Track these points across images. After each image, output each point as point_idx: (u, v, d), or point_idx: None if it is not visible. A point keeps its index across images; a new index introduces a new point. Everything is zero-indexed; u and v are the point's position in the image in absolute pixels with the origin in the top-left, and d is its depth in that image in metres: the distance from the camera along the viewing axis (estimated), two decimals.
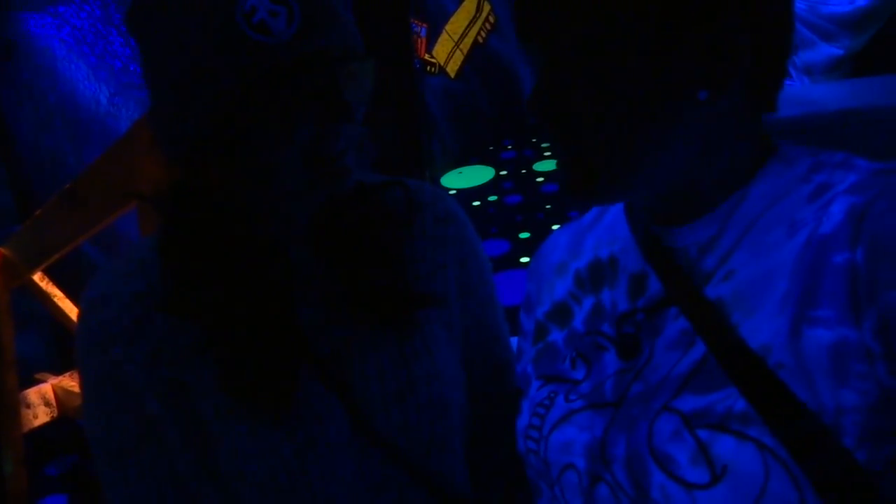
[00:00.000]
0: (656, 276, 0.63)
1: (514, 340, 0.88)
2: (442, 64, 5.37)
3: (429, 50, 5.19)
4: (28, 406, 2.94)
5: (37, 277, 2.78)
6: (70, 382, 3.00)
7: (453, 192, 5.10)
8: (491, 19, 5.79)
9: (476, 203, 4.85)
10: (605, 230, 0.73)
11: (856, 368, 0.48)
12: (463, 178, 5.38)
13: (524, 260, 3.98)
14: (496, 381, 0.86)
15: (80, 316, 0.72)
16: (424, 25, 5.09)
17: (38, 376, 3.13)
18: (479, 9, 5.65)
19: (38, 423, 2.99)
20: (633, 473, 0.56)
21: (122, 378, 0.69)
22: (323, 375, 0.71)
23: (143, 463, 0.71)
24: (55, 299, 2.83)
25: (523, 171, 5.37)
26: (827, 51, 2.58)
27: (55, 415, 3.04)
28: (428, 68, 5.19)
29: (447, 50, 5.42)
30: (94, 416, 0.73)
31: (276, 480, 0.69)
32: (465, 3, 5.54)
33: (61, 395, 3.03)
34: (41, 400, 3.00)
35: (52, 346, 3.58)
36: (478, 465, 0.85)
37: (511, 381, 0.87)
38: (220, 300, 0.68)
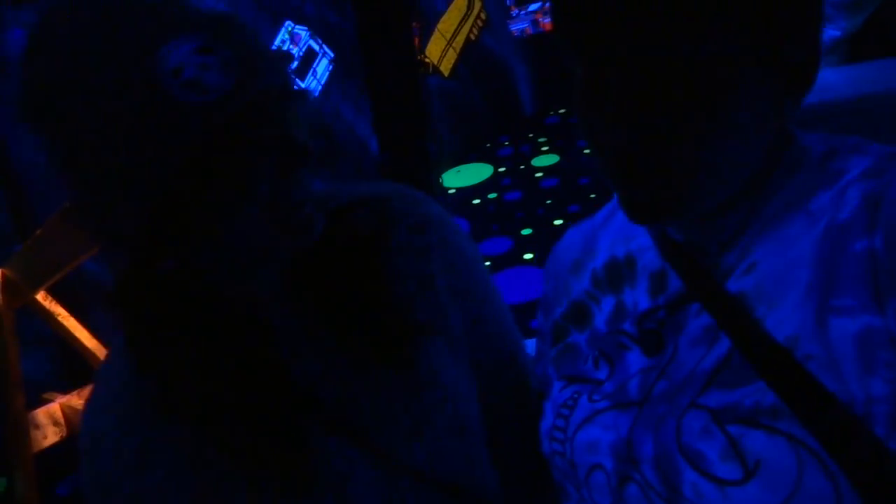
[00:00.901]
0: (675, 273, 0.62)
1: (528, 343, 0.87)
2: (435, 63, 5.37)
3: (422, 49, 5.19)
4: (37, 427, 2.94)
5: (40, 296, 2.77)
6: (78, 401, 2.99)
7: (452, 191, 5.09)
8: (483, 16, 5.78)
9: (476, 201, 4.85)
10: (619, 228, 0.72)
11: (883, 357, 0.47)
12: (461, 176, 5.38)
13: (527, 257, 3.97)
14: (504, 375, 0.84)
15: (83, 458, 0.67)
16: (416, 25, 5.09)
17: (45, 396, 3.12)
18: (470, 6, 5.65)
19: (47, 443, 2.98)
20: (663, 472, 0.55)
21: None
22: (335, 430, 0.67)
23: None
24: (59, 318, 2.83)
25: (522, 166, 5.36)
26: (825, 32, 2.57)
27: (64, 434, 3.04)
28: (422, 68, 5.19)
29: (440, 48, 5.42)
30: None
31: None
32: (456, 1, 5.54)
33: (70, 415, 3.02)
34: (50, 420, 3.00)
35: (58, 365, 3.58)
36: (499, 464, 0.84)
37: (520, 373, 0.85)
38: (212, 395, 0.62)
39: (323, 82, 4.17)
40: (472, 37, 5.72)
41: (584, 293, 0.72)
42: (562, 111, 6.25)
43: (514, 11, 6.33)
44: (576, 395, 0.66)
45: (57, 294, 2.83)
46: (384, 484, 0.68)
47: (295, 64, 4.11)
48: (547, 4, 6.12)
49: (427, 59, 5.27)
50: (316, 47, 4.16)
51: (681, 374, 0.58)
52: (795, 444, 0.49)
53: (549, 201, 4.67)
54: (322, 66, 4.18)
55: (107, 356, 0.70)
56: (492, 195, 4.94)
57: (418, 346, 0.71)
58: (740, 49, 0.51)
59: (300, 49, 4.11)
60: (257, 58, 0.56)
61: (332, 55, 4.19)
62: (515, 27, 6.27)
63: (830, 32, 2.53)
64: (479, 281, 0.80)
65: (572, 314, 0.72)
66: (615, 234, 0.72)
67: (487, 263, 4.04)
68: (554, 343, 0.73)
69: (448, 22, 5.50)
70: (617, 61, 0.52)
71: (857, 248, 0.50)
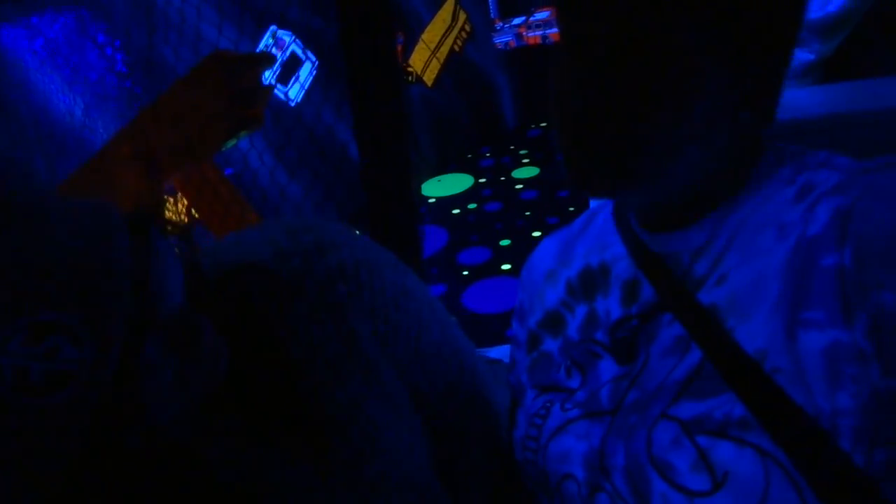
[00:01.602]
0: (648, 283, 0.63)
1: (503, 349, 0.87)
2: (419, 73, 5.39)
3: (405, 59, 5.21)
4: None
5: None
6: None
7: (433, 200, 5.10)
8: (467, 27, 5.82)
9: (456, 211, 4.86)
10: (594, 237, 0.73)
11: (849, 370, 0.48)
12: (442, 186, 5.39)
13: (505, 267, 3.99)
14: (458, 390, 0.79)
15: None
16: (401, 34, 5.10)
17: None
18: (454, 17, 5.67)
19: None
20: (634, 482, 0.55)
21: None
22: None
23: None
24: None
25: (502, 178, 5.39)
26: (799, 56, 2.62)
27: None
28: (405, 77, 5.20)
29: (424, 59, 5.44)
30: None
31: None
32: (440, 12, 5.56)
33: None
34: None
35: None
36: (462, 475, 0.82)
37: (475, 384, 0.80)
38: None
39: (306, 87, 4.16)
40: (457, 48, 5.75)
41: (559, 301, 0.72)
42: (543, 124, 6.29)
43: (499, 24, 6.37)
44: (548, 404, 0.66)
45: None
46: None
47: (278, 68, 4.10)
48: (531, 18, 6.17)
49: (411, 69, 5.29)
50: (300, 52, 4.16)
51: (652, 384, 0.58)
52: (763, 456, 0.49)
53: (528, 213, 4.70)
54: (306, 71, 4.18)
55: None
56: (472, 205, 4.96)
57: (337, 431, 0.63)
58: (708, 40, 0.52)
59: (284, 54, 4.10)
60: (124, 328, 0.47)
61: (315, 60, 4.19)
62: (499, 40, 6.31)
63: (804, 56, 2.57)
64: (410, 313, 0.71)
65: (547, 322, 0.72)
66: (590, 243, 0.72)
67: (465, 273, 4.05)
68: (528, 351, 0.74)
69: (432, 32, 5.53)
70: (590, 28, 0.54)
71: (826, 263, 0.51)
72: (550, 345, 0.71)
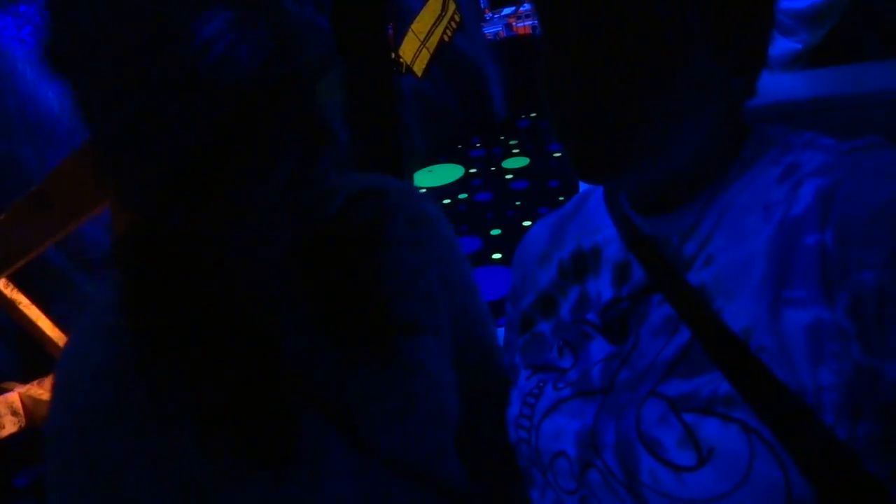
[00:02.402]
0: (639, 265, 0.64)
1: (498, 332, 0.89)
2: (409, 63, 5.37)
3: (395, 48, 5.19)
4: None
5: (1, 284, 2.71)
6: (38, 391, 2.93)
7: (423, 190, 5.09)
8: (457, 18, 5.79)
9: (446, 201, 4.86)
10: (586, 220, 0.73)
11: (831, 348, 0.49)
12: (432, 176, 5.38)
13: (496, 256, 4.00)
14: (482, 367, 0.85)
15: (53, 398, 0.66)
16: (391, 24, 5.08)
17: (4, 385, 3.05)
18: (444, 7, 5.65)
19: (5, 433, 2.91)
20: (623, 459, 0.57)
21: (101, 459, 0.63)
22: (316, 408, 0.67)
23: None
24: (21, 306, 2.77)
25: (492, 168, 5.39)
26: (785, 45, 2.63)
27: (23, 424, 2.97)
28: (396, 67, 5.19)
29: (413, 49, 5.42)
30: None
31: None
32: (430, 2, 5.54)
33: (29, 405, 2.96)
34: (8, 409, 2.93)
35: (18, 354, 3.50)
36: (471, 460, 0.85)
37: (499, 366, 0.87)
38: (199, 356, 0.62)
39: None
40: (446, 38, 5.73)
41: (552, 283, 0.73)
42: (533, 115, 6.29)
43: (489, 15, 6.36)
44: (541, 384, 0.67)
45: (19, 282, 2.78)
46: (360, 473, 0.68)
47: None
48: (521, 9, 6.16)
49: (401, 59, 5.27)
50: None
51: (642, 364, 0.60)
52: (748, 432, 0.50)
53: (518, 203, 4.70)
54: None
55: (92, 304, 0.69)
56: (462, 195, 4.96)
57: (405, 339, 0.72)
58: (695, 19, 0.53)
59: None
60: (291, 37, 0.54)
61: None
62: (489, 30, 6.29)
63: (792, 45, 2.59)
64: (464, 273, 0.83)
65: (540, 304, 0.74)
66: (582, 225, 0.73)
67: None
68: (521, 332, 0.75)
69: (422, 23, 5.51)
70: (577, 15, 0.55)
71: (809, 242, 0.52)
72: (543, 326, 0.72)
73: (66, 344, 0.68)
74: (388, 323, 0.71)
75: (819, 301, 0.50)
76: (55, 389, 0.66)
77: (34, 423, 2.96)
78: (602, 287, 0.67)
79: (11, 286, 2.75)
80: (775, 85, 0.59)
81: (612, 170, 0.59)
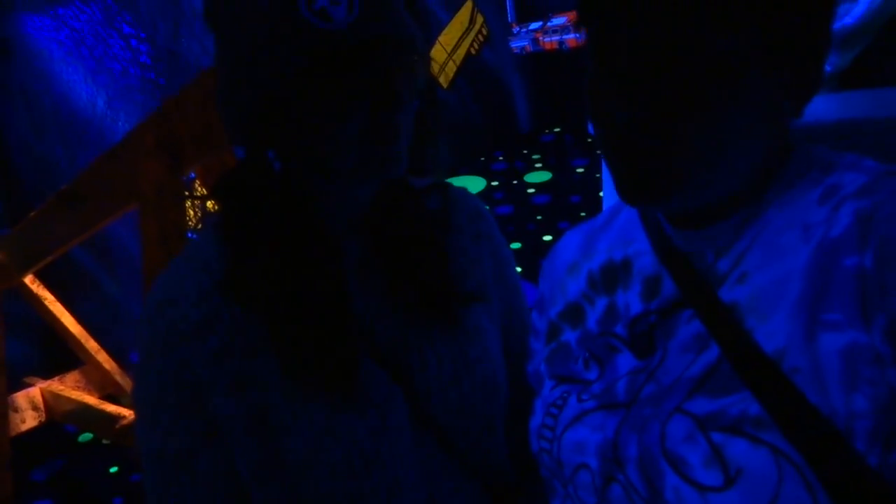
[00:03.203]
0: (670, 279, 0.63)
1: None
2: (435, 74, 5.40)
3: None
4: (16, 410, 2.91)
5: (28, 280, 2.76)
6: (59, 387, 2.97)
7: None
8: (484, 31, 5.83)
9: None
10: (618, 232, 0.73)
11: (866, 373, 0.48)
12: None
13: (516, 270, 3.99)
14: (519, 364, 0.87)
15: (145, 319, 0.71)
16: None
17: (26, 380, 3.10)
18: (472, 20, 5.69)
19: (25, 427, 2.95)
20: (646, 474, 0.56)
21: (188, 377, 0.69)
22: (383, 359, 0.73)
23: (199, 472, 0.70)
24: (46, 302, 2.81)
25: (514, 182, 5.40)
26: None
27: (43, 419, 3.01)
28: None
29: (440, 60, 5.46)
30: (151, 422, 0.71)
31: (351, 465, 0.69)
32: (458, 15, 5.58)
33: (50, 400, 3.00)
34: (29, 404, 2.97)
35: (41, 349, 3.55)
36: (514, 447, 0.85)
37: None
38: (282, 287, 0.69)
39: None
40: (473, 51, 5.76)
41: (580, 294, 0.73)
42: (557, 129, 6.29)
43: (516, 29, 6.38)
44: (565, 395, 0.67)
45: (45, 279, 2.82)
46: (416, 435, 0.73)
47: None
48: (548, 24, 6.18)
49: None
50: None
51: (668, 379, 0.59)
52: (777, 454, 0.49)
53: (539, 217, 4.70)
54: None
55: (191, 242, 0.76)
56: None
57: (466, 308, 0.79)
58: (749, 43, 0.52)
59: None
60: (382, 8, 0.64)
61: None
62: (516, 44, 6.32)
63: None
64: (512, 272, 0.91)
65: (567, 314, 0.73)
66: (614, 237, 0.73)
67: None
68: (547, 342, 0.74)
69: (450, 35, 5.55)
70: (630, 38, 0.54)
71: (847, 264, 0.51)
72: (569, 336, 0.72)
73: (162, 272, 0.74)
74: (448, 290, 0.77)
75: (855, 324, 0.49)
76: (146, 311, 0.72)
77: (54, 417, 2.99)
78: (631, 300, 0.67)
79: (38, 282, 2.79)
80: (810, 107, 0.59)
81: (659, 195, 0.58)
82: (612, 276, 0.70)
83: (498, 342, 0.83)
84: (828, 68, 2.56)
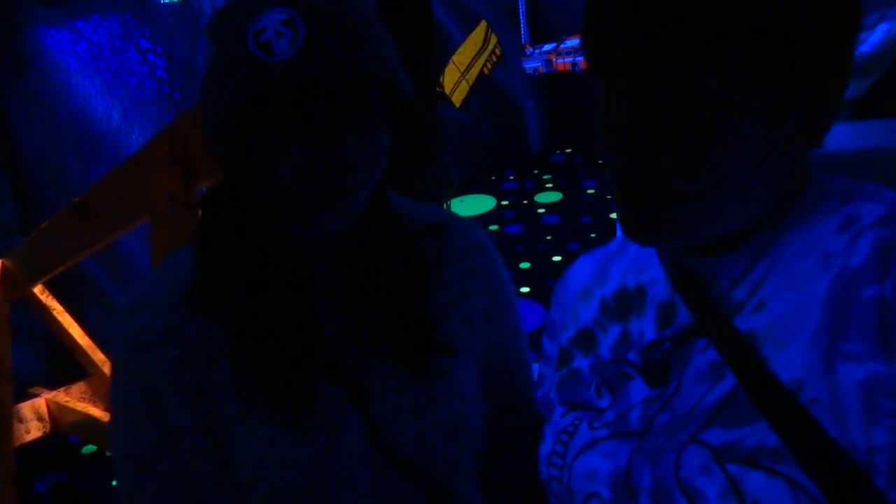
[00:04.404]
0: (685, 307, 0.63)
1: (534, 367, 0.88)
2: (447, 93, 5.43)
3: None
4: (21, 420, 2.91)
5: (37, 290, 2.77)
6: (64, 398, 2.97)
7: None
8: (497, 51, 5.87)
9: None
10: (632, 258, 0.73)
11: (887, 405, 0.48)
12: (464, 206, 5.41)
13: (524, 290, 3.98)
14: (516, 411, 0.86)
15: (117, 324, 0.74)
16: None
17: (32, 391, 3.10)
18: (486, 40, 5.73)
19: (29, 437, 2.95)
20: None
21: (150, 385, 0.71)
22: (342, 384, 0.72)
23: (162, 476, 0.71)
24: (54, 313, 2.82)
25: (524, 201, 5.40)
26: None
27: (48, 430, 3.01)
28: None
29: (453, 80, 5.49)
30: (119, 425, 0.74)
31: (294, 487, 0.69)
32: (472, 35, 5.62)
33: (55, 411, 2.99)
34: (34, 415, 2.97)
35: (47, 360, 3.56)
36: (493, 495, 0.84)
37: (530, 414, 0.86)
38: (247, 302, 0.70)
39: None
40: (486, 71, 5.80)
41: (592, 320, 0.72)
42: (568, 150, 6.31)
43: (529, 50, 6.42)
44: (576, 422, 0.66)
45: (55, 290, 2.83)
46: (374, 463, 0.72)
47: None
48: (562, 45, 6.21)
49: (440, 89, 5.34)
50: None
51: (683, 408, 0.58)
52: (795, 487, 0.48)
53: (549, 237, 4.70)
54: None
55: (171, 256, 0.78)
56: (493, 227, 4.97)
57: (434, 354, 0.76)
58: (745, 94, 0.52)
59: None
60: (332, 42, 0.63)
61: None
62: (529, 65, 6.35)
63: None
64: (511, 315, 0.87)
65: (579, 340, 0.73)
66: (628, 264, 0.73)
67: None
68: (558, 367, 0.74)
69: (463, 54, 5.58)
70: (629, 77, 0.54)
71: (867, 295, 0.51)
72: (581, 362, 0.71)
73: (135, 284, 0.77)
74: (420, 337, 0.75)
75: (876, 355, 0.49)
76: (118, 316, 0.74)
77: (58, 429, 2.99)
78: (645, 327, 0.66)
79: (47, 293, 2.80)
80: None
81: (661, 237, 0.59)
82: (625, 302, 0.70)
83: (475, 382, 0.80)
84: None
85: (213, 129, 0.68)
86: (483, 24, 5.76)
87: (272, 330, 0.70)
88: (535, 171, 6.00)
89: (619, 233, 0.79)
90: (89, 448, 3.30)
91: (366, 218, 0.73)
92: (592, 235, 4.46)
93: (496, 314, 0.84)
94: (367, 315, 0.75)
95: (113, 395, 0.74)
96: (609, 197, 4.89)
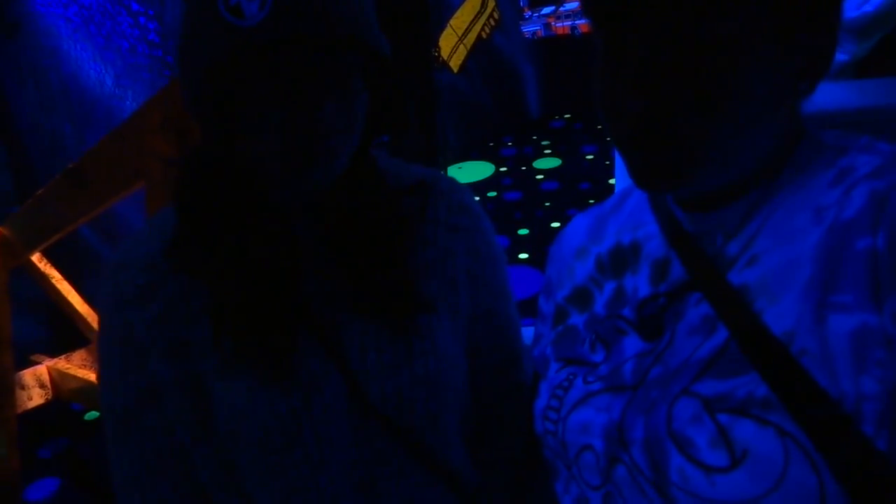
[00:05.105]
0: (679, 262, 0.63)
1: (527, 331, 0.88)
2: (445, 58, 5.38)
3: (433, 43, 5.20)
4: (23, 387, 2.94)
5: (35, 258, 2.77)
6: (66, 365, 2.99)
7: None
8: (496, 15, 5.79)
9: (475, 198, 4.87)
10: (627, 215, 0.73)
11: (876, 355, 0.48)
12: (463, 173, 5.39)
13: (523, 256, 3.99)
14: (503, 371, 0.87)
15: (101, 281, 0.74)
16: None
17: (33, 358, 3.12)
18: (483, 4, 5.65)
19: (32, 404, 2.98)
20: (652, 456, 0.56)
21: (131, 339, 0.72)
22: (321, 341, 0.73)
23: (145, 427, 0.73)
24: (53, 280, 2.83)
25: (523, 167, 5.38)
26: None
27: (49, 397, 3.03)
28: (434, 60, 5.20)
29: (451, 44, 5.43)
30: (104, 378, 0.75)
31: (271, 440, 0.70)
32: None
33: (56, 378, 3.02)
34: (36, 382, 2.99)
35: (48, 327, 3.57)
36: (483, 456, 0.85)
37: (519, 374, 0.87)
38: (227, 260, 0.70)
39: None
40: (484, 35, 5.73)
41: (588, 277, 0.73)
42: (567, 115, 6.27)
43: (527, 13, 6.34)
44: (571, 377, 0.67)
45: (52, 257, 2.83)
46: (354, 419, 0.73)
47: None
48: (560, 8, 6.13)
49: (438, 54, 5.28)
50: None
51: (676, 361, 0.59)
52: (784, 436, 0.49)
53: (547, 204, 4.70)
54: None
55: (158, 214, 0.78)
56: (491, 193, 4.96)
57: (415, 313, 0.76)
58: (760, 26, 0.52)
59: None
60: (303, 4, 0.62)
61: None
62: (527, 29, 6.28)
63: (839, 56, 2.54)
64: (497, 275, 0.87)
65: (574, 297, 0.73)
66: (623, 221, 0.73)
67: None
68: (554, 325, 0.74)
69: (461, 18, 5.51)
70: (639, 28, 0.54)
71: (859, 246, 0.51)
72: (577, 319, 0.71)
73: (134, 233, 0.78)
74: (400, 296, 0.76)
75: (866, 306, 0.49)
76: (104, 271, 0.75)
77: (60, 395, 3.02)
78: (639, 283, 0.66)
79: (45, 260, 2.80)
80: (821, 95, 0.58)
81: (675, 181, 0.58)
82: (620, 259, 0.70)
83: (456, 340, 0.80)
84: (846, 57, 2.54)
85: (190, 95, 0.68)
86: None
87: (251, 287, 0.70)
88: (534, 137, 5.97)
89: (616, 193, 0.79)
90: (92, 414, 3.33)
91: (347, 177, 0.72)
92: (591, 201, 4.43)
93: (482, 275, 0.84)
94: (346, 272, 0.75)
95: (99, 350, 0.75)
96: (608, 163, 4.87)
